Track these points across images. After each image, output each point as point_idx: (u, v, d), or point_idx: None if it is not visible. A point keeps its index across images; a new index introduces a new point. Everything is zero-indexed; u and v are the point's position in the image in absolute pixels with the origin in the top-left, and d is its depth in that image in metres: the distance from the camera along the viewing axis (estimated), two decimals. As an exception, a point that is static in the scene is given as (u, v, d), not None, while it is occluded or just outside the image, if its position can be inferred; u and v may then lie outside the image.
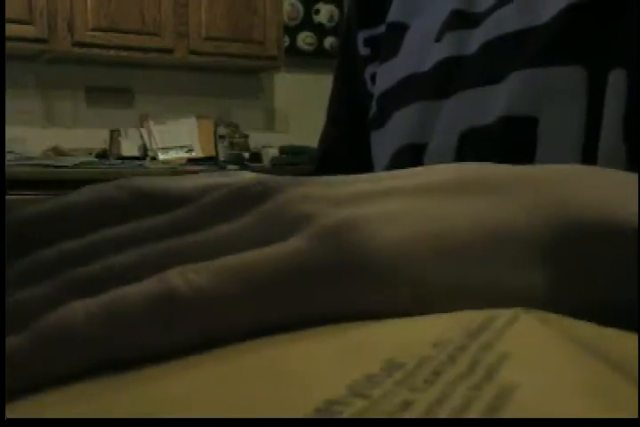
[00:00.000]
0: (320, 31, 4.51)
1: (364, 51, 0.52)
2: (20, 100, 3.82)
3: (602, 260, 0.19)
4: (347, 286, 0.18)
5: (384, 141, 0.47)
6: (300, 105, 4.32)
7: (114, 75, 4.04)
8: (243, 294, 0.18)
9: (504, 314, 0.17)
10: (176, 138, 3.99)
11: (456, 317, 0.18)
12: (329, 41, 4.53)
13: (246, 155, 4.06)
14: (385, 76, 0.48)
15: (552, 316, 0.18)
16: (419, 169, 0.22)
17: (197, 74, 4.19)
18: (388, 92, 0.47)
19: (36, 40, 3.64)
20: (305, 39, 4.49)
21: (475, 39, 0.41)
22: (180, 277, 0.18)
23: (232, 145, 4.11)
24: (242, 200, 0.21)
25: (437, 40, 0.44)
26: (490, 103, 0.39)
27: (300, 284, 0.18)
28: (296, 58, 4.39)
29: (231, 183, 0.22)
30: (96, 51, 3.77)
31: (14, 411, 0.16)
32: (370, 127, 0.50)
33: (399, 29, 0.48)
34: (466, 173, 0.21)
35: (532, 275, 0.19)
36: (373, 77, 0.51)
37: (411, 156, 0.43)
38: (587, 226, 0.19)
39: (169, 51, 3.92)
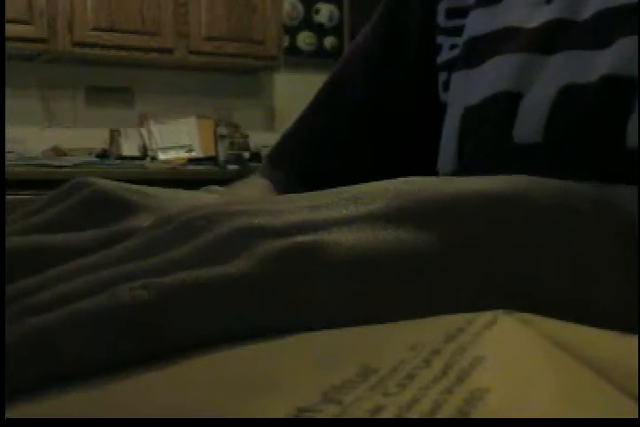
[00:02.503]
0: (320, 31, 4.51)
1: (443, 22, 0.52)
2: (20, 100, 3.82)
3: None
4: (287, 305, 0.19)
5: (474, 81, 0.47)
6: (300, 105, 4.29)
7: (114, 75, 4.04)
8: (188, 309, 0.18)
9: (483, 316, 0.17)
10: (176, 138, 3.99)
11: (435, 320, 0.18)
12: (329, 41, 4.53)
13: (246, 155, 4.05)
14: (482, 20, 0.48)
15: (536, 318, 0.17)
16: (359, 191, 0.23)
17: (197, 74, 4.19)
18: (484, 37, 0.48)
19: (36, 40, 3.64)
20: (305, 39, 4.48)
21: (588, 7, 0.42)
22: (127, 293, 0.18)
23: (232, 145, 4.11)
24: (187, 232, 0.22)
25: (548, 1, 0.45)
26: (594, 64, 0.40)
27: (243, 300, 0.19)
28: (296, 58, 4.39)
29: (176, 218, 0.22)
30: (96, 51, 3.77)
31: None
32: (449, 66, 0.50)
33: None
34: (402, 200, 0.22)
35: (458, 301, 0.20)
36: (449, 12, 0.51)
37: (506, 102, 0.43)
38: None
39: (169, 51, 3.92)
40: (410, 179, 0.23)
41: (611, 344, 0.16)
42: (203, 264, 0.20)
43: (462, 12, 0.50)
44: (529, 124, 0.41)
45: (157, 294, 0.18)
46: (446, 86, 0.50)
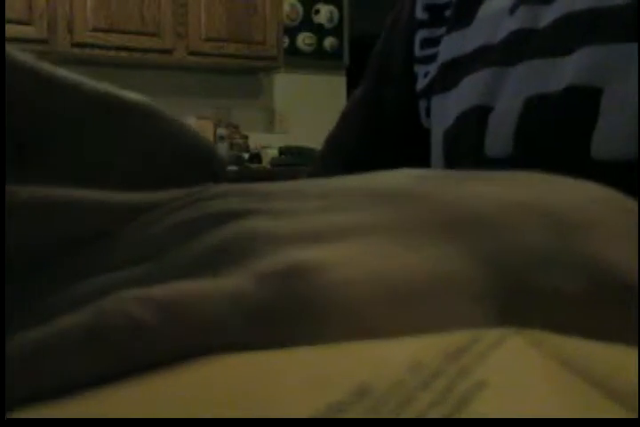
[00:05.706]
0: (320, 31, 4.51)
1: (421, 15, 0.53)
2: (20, 101, 3.82)
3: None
4: (290, 331, 0.18)
5: (450, 103, 0.48)
6: (300, 105, 4.31)
7: (113, 75, 4.04)
8: (186, 328, 0.17)
9: (490, 335, 0.16)
10: (176, 138, 3.99)
11: (438, 337, 0.17)
12: (329, 41, 4.53)
13: (246, 155, 4.05)
14: (455, 43, 0.49)
15: (547, 336, 0.17)
16: (380, 192, 0.21)
17: (197, 74, 4.18)
18: (458, 60, 0.48)
19: (36, 41, 3.64)
20: (305, 39, 4.48)
21: (548, 14, 0.42)
22: (118, 310, 0.17)
23: (232, 146, 4.11)
24: (186, 231, 0.21)
25: (511, 13, 0.45)
26: (557, 73, 0.40)
27: (236, 324, 0.18)
28: (296, 58, 4.38)
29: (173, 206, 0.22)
30: (96, 51, 3.77)
31: None
32: (427, 92, 0.51)
33: (474, 2, 0.49)
34: (427, 207, 0.20)
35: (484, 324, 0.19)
36: (423, 42, 0.53)
37: (477, 117, 0.44)
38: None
39: (168, 51, 3.92)
40: (436, 176, 0.21)
41: (624, 363, 0.16)
42: (199, 272, 0.19)
43: (435, 42, 0.52)
44: (498, 137, 0.41)
45: (152, 312, 0.17)
46: (428, 113, 0.51)
